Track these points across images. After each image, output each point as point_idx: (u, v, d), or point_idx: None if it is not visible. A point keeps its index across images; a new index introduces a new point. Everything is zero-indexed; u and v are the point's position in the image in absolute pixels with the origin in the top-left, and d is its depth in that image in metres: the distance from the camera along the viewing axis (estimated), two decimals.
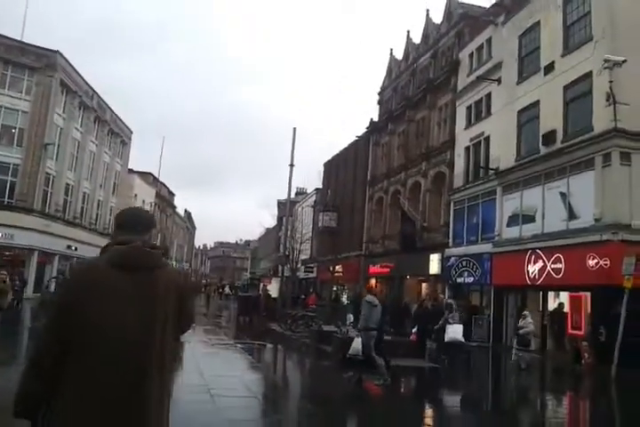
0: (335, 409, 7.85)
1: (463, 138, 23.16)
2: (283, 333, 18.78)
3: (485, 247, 20.07)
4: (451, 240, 23.01)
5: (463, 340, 13.59)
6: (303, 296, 32.59)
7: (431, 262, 24.09)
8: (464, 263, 21.16)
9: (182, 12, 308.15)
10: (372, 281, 32.18)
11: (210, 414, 6.50)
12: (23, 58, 31.14)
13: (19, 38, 31.69)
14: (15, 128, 30.92)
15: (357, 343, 10.24)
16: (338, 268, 34.73)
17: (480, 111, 22.31)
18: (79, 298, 1.94)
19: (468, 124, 22.96)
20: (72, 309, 1.94)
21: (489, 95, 21.71)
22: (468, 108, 23.21)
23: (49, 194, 32.84)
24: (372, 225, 32.44)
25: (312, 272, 42.21)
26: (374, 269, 30.93)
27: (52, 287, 31.25)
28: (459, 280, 21.50)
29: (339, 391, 9.28)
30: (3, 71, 30.70)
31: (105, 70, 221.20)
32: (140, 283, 2.05)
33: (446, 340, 13.10)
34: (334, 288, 33.91)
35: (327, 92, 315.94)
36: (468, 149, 22.81)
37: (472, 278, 20.66)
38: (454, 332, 13.18)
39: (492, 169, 20.46)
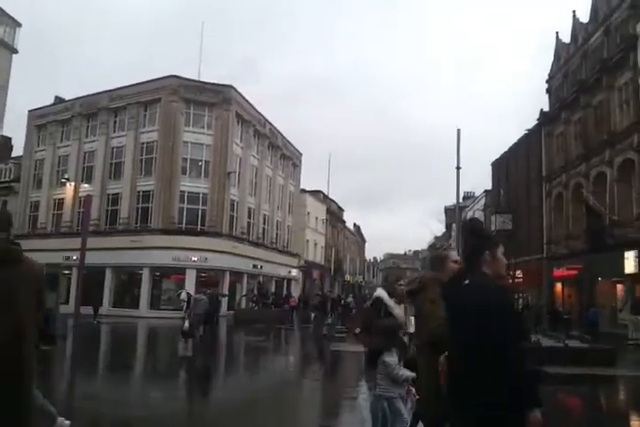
0: None
1: None
2: None
3: None
4: None
5: None
6: None
7: (626, 261, 21.66)
8: None
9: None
10: (558, 285, 29.94)
11: None
12: (202, 95, 34.44)
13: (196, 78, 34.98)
14: (202, 161, 34.35)
15: None
16: (517, 273, 32.80)
17: None
18: None
19: None
20: None
21: None
22: None
23: (235, 218, 35.85)
24: (553, 224, 30.14)
25: None
26: (559, 272, 28.63)
27: (243, 304, 34.17)
28: None
29: None
30: (186, 110, 34.31)
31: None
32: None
33: None
34: (515, 295, 32.06)
35: (487, 88, 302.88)
36: None
37: None
38: None
39: None
